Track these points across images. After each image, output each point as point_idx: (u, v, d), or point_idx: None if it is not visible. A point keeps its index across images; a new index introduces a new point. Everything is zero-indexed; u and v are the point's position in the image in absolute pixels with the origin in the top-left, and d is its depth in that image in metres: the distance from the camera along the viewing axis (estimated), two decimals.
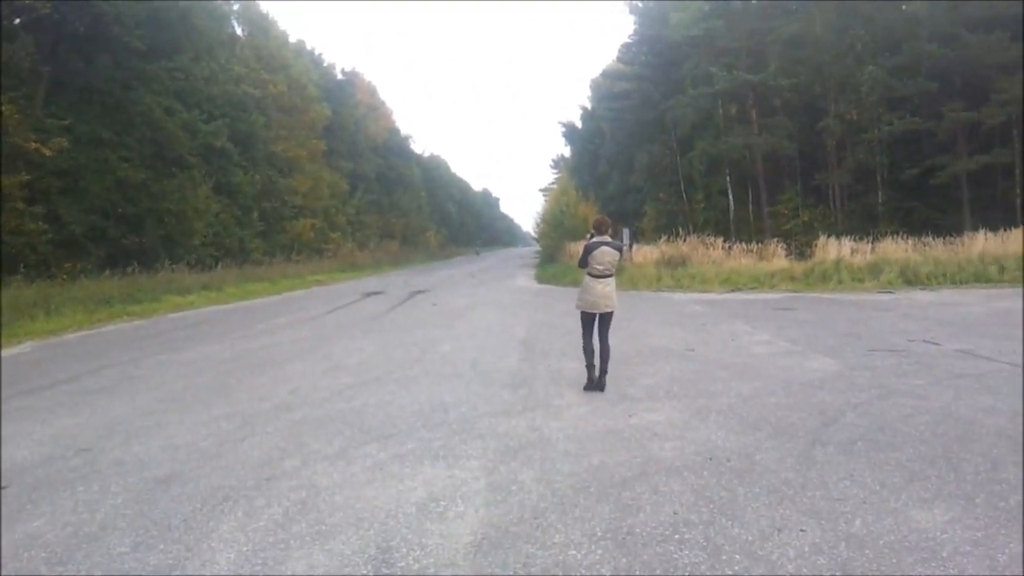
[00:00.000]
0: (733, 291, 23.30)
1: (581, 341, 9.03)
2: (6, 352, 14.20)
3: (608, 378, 8.78)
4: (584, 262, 8.79)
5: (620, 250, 8.90)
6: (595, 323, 8.84)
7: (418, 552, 4.26)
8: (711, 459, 5.86)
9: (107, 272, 25.34)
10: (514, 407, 7.93)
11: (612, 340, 8.99)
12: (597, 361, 8.81)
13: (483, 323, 16.32)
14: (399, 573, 4.03)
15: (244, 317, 19.79)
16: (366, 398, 8.60)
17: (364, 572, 4.06)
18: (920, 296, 19.98)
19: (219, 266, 32.97)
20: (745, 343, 12.19)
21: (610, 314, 8.83)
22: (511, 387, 9.03)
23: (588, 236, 8.99)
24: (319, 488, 5.46)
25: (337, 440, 6.79)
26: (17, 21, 28.31)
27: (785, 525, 4.49)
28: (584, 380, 8.84)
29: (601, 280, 8.68)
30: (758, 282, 24.35)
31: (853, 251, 26.65)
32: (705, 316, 16.49)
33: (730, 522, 4.57)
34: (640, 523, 4.59)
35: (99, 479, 5.90)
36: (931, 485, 5.12)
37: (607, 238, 8.78)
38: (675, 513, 4.73)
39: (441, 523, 4.70)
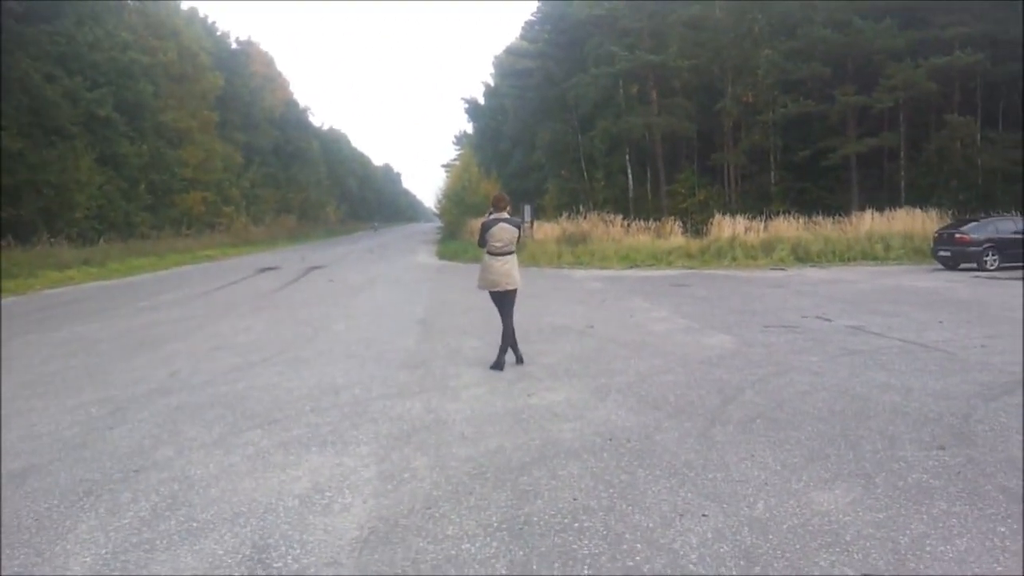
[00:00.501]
0: (632, 268, 23.47)
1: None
2: None
3: (508, 357, 8.55)
4: (483, 241, 8.51)
5: (519, 227, 8.65)
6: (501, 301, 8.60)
7: (298, 550, 3.90)
8: (611, 440, 5.68)
9: None
10: (410, 388, 7.61)
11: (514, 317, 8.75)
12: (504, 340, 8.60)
13: (381, 301, 15.89)
14: (275, 574, 3.67)
15: (126, 294, 18.79)
16: (252, 380, 8.13)
17: (236, 574, 3.69)
18: (811, 273, 20.52)
19: (102, 240, 31.28)
20: (644, 320, 12.16)
21: (513, 292, 8.58)
22: (408, 367, 8.70)
23: (487, 214, 8.72)
24: (192, 480, 5.03)
25: (217, 427, 6.33)
26: None
27: (687, 510, 4.33)
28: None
29: (500, 258, 8.42)
30: (656, 259, 24.61)
31: (747, 229, 27.20)
32: (605, 293, 16.48)
33: (630, 508, 4.38)
34: (538, 511, 4.35)
35: None
36: (831, 465, 5.05)
37: (505, 215, 8.51)
38: (574, 499, 4.51)
39: (325, 517, 4.36)
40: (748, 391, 7.15)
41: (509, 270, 8.46)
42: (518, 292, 8.70)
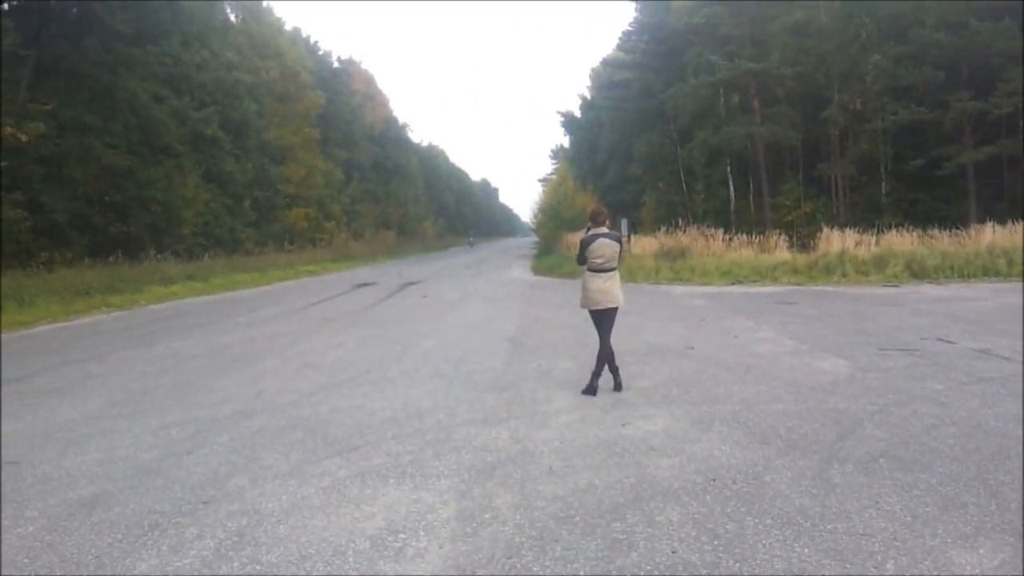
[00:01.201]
0: (734, 284, 22.61)
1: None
2: None
3: (602, 380, 8.06)
4: (582, 258, 8.08)
5: (619, 241, 8.16)
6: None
7: None
8: (714, 480, 5.14)
9: (91, 261, 24.60)
10: (497, 414, 7.21)
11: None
12: (602, 363, 8.12)
13: (473, 317, 15.60)
14: None
15: (226, 309, 19.07)
16: (336, 402, 7.88)
17: None
18: (928, 290, 19.26)
19: (206, 256, 32.12)
20: (748, 340, 11.46)
21: (614, 310, 8.12)
22: (495, 390, 8.31)
23: (585, 229, 8.27)
24: (263, 515, 4.73)
25: (295, 454, 6.06)
26: (5, 6, 27.68)
27: (804, 569, 3.78)
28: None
29: (601, 274, 7.97)
30: (760, 275, 23.63)
31: (857, 243, 25.87)
32: (705, 310, 15.79)
33: (738, 564, 3.85)
34: (632, 565, 3.87)
35: (15, 500, 5.16)
36: (970, 516, 4.40)
37: (604, 230, 8.05)
38: (673, 552, 4.01)
39: (397, 562, 3.98)
40: (867, 423, 6.49)
41: (610, 287, 8.00)
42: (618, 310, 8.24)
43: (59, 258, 22.99)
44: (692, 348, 10.77)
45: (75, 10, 27.01)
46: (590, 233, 8.03)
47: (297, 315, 17.11)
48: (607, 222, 8.17)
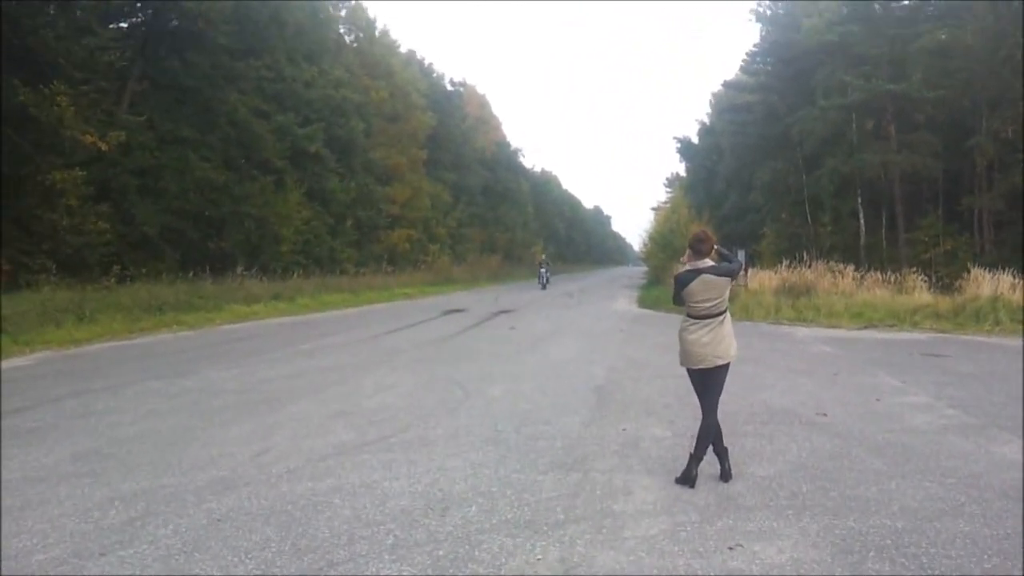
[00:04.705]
0: (866, 327, 19.81)
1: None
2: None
3: (704, 464, 5.89)
4: (679, 299, 5.92)
5: (732, 275, 5.92)
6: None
7: None
8: None
9: (172, 276, 23.63)
10: (552, 512, 5.14)
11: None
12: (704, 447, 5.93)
13: (559, 356, 13.51)
14: None
15: (296, 333, 17.54)
16: (346, 475, 5.97)
17: None
18: None
19: (295, 275, 30.90)
20: (896, 407, 9.01)
21: (722, 369, 5.87)
22: (560, 468, 6.23)
23: (681, 259, 6.13)
24: None
25: (245, 567, 4.16)
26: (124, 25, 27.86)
27: None
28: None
29: (704, 322, 5.76)
30: (897, 318, 20.70)
31: (1013, 287, 22.56)
32: (837, 361, 13.26)
33: None
34: None
35: None
36: None
37: (709, 262, 5.82)
38: None
39: None
40: None
41: (717, 340, 5.76)
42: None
43: (134, 272, 21.87)
44: (825, 415, 8.42)
45: (174, 22, 26.62)
46: (687, 268, 5.88)
47: (367, 344, 15.41)
48: (714, 251, 5.97)
